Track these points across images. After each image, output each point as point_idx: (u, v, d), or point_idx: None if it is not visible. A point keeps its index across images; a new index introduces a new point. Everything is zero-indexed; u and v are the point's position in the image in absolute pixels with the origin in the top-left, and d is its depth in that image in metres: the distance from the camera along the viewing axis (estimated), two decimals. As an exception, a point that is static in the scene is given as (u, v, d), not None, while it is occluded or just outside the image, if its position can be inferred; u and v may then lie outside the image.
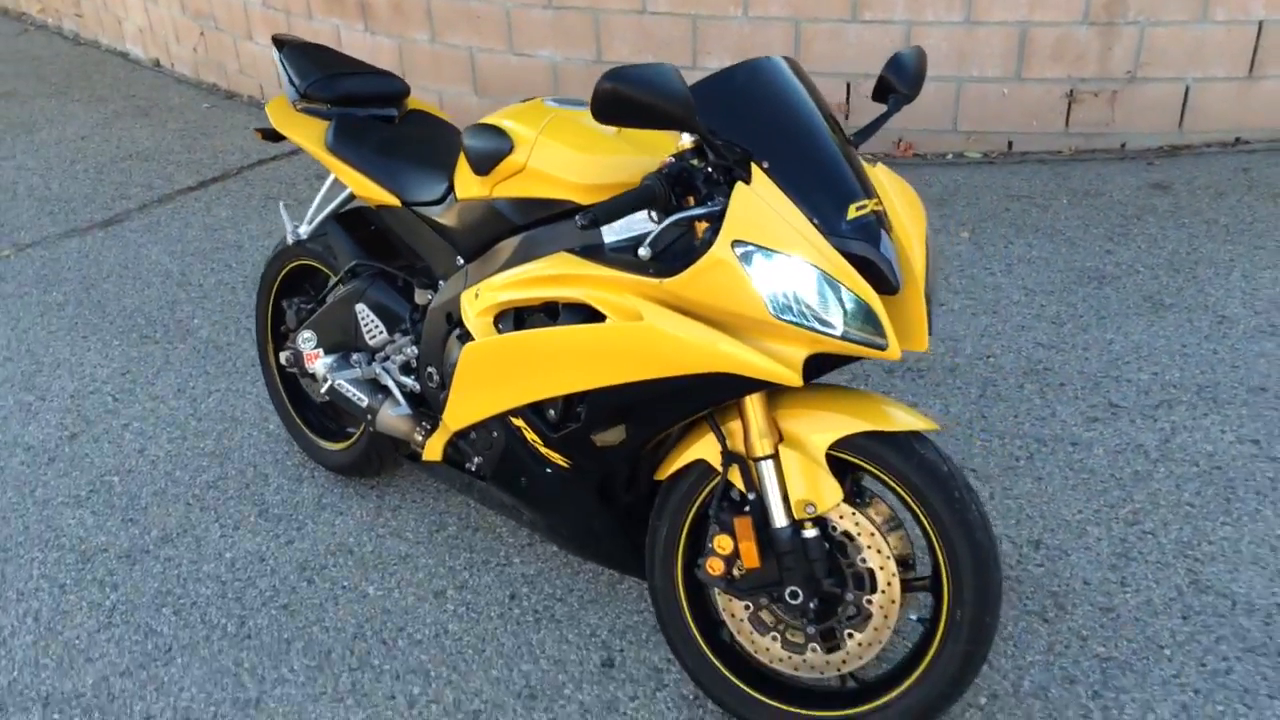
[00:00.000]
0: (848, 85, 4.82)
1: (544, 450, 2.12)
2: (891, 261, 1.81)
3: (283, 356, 2.89)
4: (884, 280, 1.80)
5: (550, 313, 2.06)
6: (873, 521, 1.96)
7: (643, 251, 1.82)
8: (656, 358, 1.84)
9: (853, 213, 1.79)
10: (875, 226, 1.81)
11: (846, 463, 1.95)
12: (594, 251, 1.97)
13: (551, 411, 2.09)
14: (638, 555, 2.22)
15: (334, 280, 2.71)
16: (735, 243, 1.74)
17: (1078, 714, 2.11)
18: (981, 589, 1.88)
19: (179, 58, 7.36)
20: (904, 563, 2.01)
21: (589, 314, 1.95)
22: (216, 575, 2.68)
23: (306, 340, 2.76)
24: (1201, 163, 4.52)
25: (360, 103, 2.67)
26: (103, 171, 5.64)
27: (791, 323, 1.75)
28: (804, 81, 1.94)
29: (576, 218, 1.77)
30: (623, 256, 1.91)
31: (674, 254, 1.87)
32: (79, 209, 5.15)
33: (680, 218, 1.81)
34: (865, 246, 1.78)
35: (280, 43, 2.80)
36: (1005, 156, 4.78)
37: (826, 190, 1.79)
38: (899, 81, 2.06)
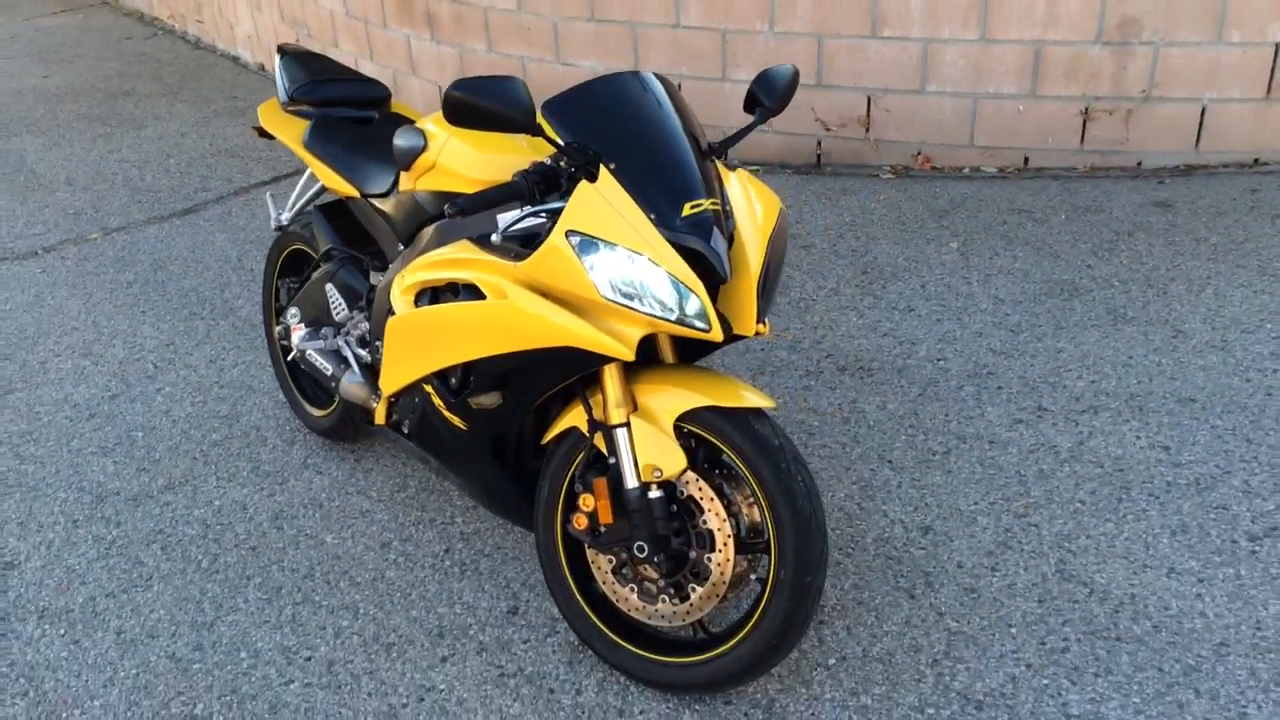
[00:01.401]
0: (868, 99, 5.00)
1: (446, 414, 2.41)
2: (721, 255, 2.04)
3: (277, 330, 3.25)
4: (714, 272, 2.04)
5: (455, 290, 2.35)
6: (722, 492, 2.19)
7: (494, 238, 2.10)
8: (517, 332, 2.11)
9: (687, 210, 2.03)
10: (708, 223, 2.04)
11: (703, 437, 2.19)
12: (487, 239, 2.25)
13: (453, 380, 2.38)
14: (530, 509, 2.49)
15: (314, 263, 3.06)
16: (570, 232, 2.00)
17: (913, 678, 2.29)
18: (803, 552, 2.10)
19: (279, 63, 7.91)
20: (755, 530, 2.23)
21: (479, 294, 2.23)
22: (203, 519, 3.05)
23: (293, 315, 3.11)
24: (1212, 183, 4.56)
25: (340, 105, 3.01)
26: (192, 165, 6.17)
27: (622, 305, 2.00)
28: (670, 95, 2.19)
29: (446, 206, 2.06)
30: (500, 244, 2.18)
31: (539, 242, 2.14)
32: (164, 199, 5.67)
33: (535, 210, 2.08)
34: (696, 240, 2.02)
35: (283, 51, 3.17)
36: (1020, 172, 4.88)
37: (665, 189, 2.04)
38: (765, 96, 2.29)
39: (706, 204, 2.06)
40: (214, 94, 7.70)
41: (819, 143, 5.20)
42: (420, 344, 2.37)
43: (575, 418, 2.28)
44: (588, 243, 2.01)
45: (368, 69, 6.75)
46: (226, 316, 4.27)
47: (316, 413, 3.29)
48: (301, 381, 3.38)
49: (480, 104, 1.95)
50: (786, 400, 3.32)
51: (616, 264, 2.00)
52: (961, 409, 3.19)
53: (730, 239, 2.12)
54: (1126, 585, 2.49)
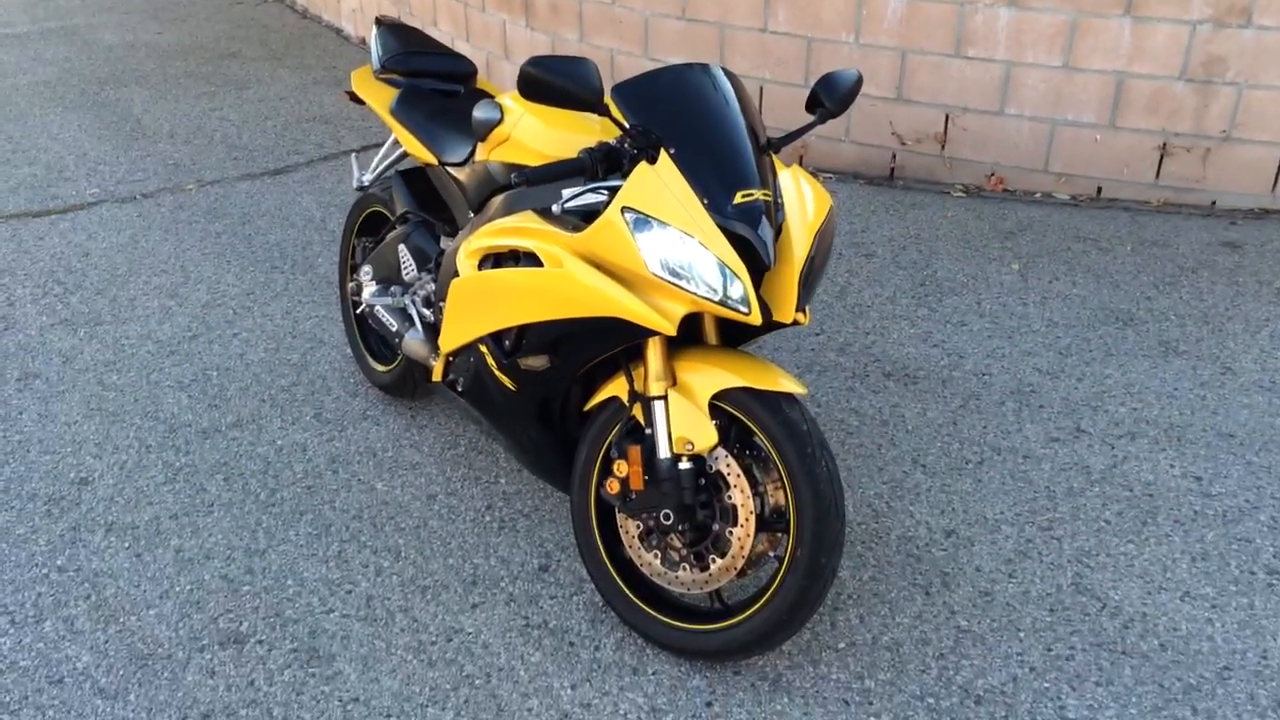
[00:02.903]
0: (946, 117, 5.05)
1: (498, 374, 2.55)
2: (767, 243, 2.15)
3: (350, 286, 3.42)
4: (759, 258, 2.15)
5: (517, 259, 2.49)
6: (751, 472, 2.30)
7: (555, 209, 2.22)
8: (569, 299, 2.24)
9: (739, 198, 2.15)
10: (758, 211, 2.15)
11: (735, 417, 2.30)
12: (548, 211, 2.39)
13: (507, 342, 2.52)
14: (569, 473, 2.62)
15: (390, 224, 3.22)
16: (625, 209, 2.12)
17: (917, 668, 2.38)
18: (819, 533, 2.20)
19: (380, 37, 8.15)
20: (779, 512, 2.34)
21: (538, 262, 2.37)
22: (265, 456, 3.23)
23: (366, 273, 3.28)
24: (1286, 227, 4.55)
25: (429, 77, 3.17)
26: (287, 129, 6.41)
27: (669, 282, 2.11)
28: (735, 89, 2.30)
29: (513, 176, 2.19)
30: (561, 216, 2.31)
31: (596, 216, 2.27)
32: (258, 158, 5.91)
33: (595, 186, 2.21)
34: (745, 227, 2.14)
35: (380, 22, 3.34)
36: (1093, 201, 4.90)
37: (720, 177, 2.16)
38: (827, 98, 2.39)
39: (758, 194, 2.17)
40: (315, 62, 7.96)
41: (894, 156, 5.26)
42: (479, 305, 2.51)
43: (617, 388, 2.40)
44: (641, 220, 2.13)
45: (463, 50, 6.95)
46: (305, 272, 4.46)
47: (380, 368, 3.46)
48: (368, 337, 3.55)
49: (553, 81, 2.09)
50: (830, 399, 3.41)
51: (667, 243, 2.11)
52: (1000, 423, 3.26)
53: (778, 229, 2.23)
54: (1139, 604, 2.54)
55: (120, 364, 3.77)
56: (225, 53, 8.23)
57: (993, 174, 5.07)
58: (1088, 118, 4.80)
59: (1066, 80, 4.77)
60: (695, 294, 2.12)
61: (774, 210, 2.21)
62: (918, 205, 4.95)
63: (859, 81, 2.43)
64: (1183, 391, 3.39)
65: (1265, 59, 4.47)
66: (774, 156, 2.33)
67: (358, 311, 3.36)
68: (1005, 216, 4.78)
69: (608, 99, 2.20)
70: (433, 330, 3.02)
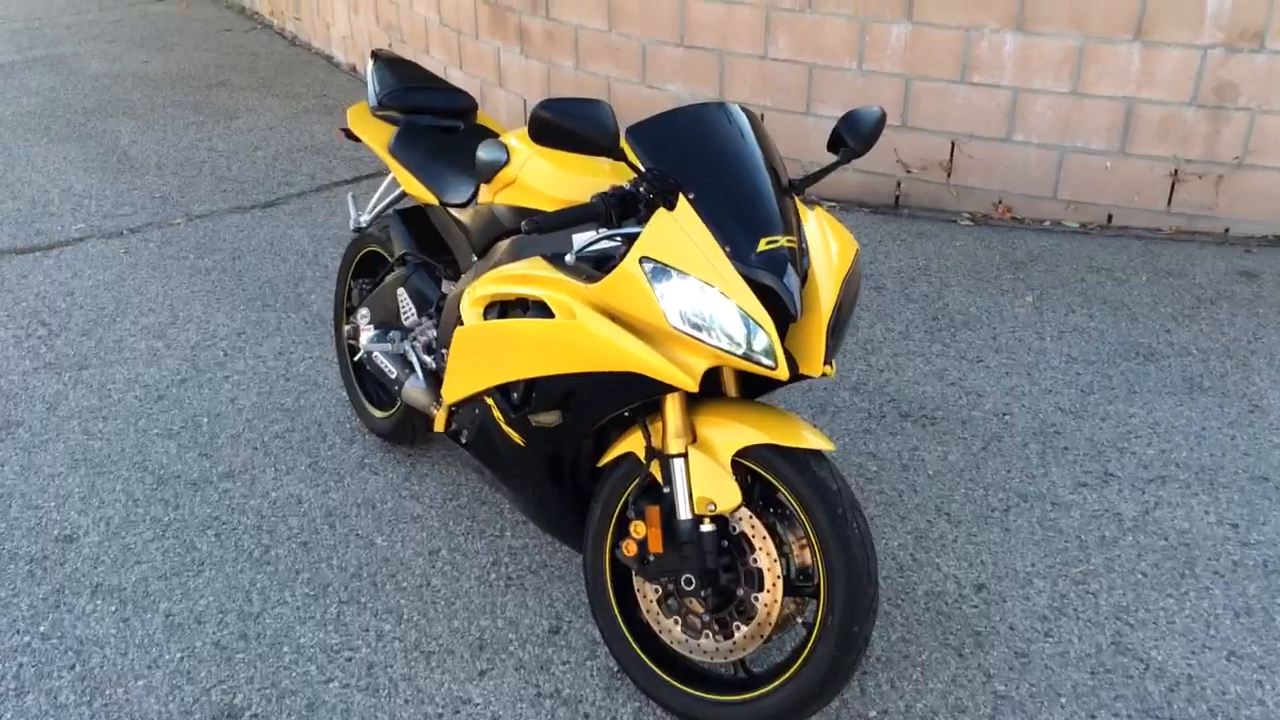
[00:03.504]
0: (952, 144, 4.95)
1: (505, 428, 2.42)
2: (793, 293, 2.03)
3: (346, 329, 3.29)
4: (785, 309, 2.02)
5: (525, 306, 2.36)
6: (775, 531, 2.17)
7: (569, 258, 2.10)
8: (583, 353, 2.12)
9: (763, 245, 2.02)
10: (783, 259, 2.03)
11: (759, 474, 2.17)
12: (560, 258, 2.26)
13: (515, 394, 2.38)
14: (581, 530, 2.48)
15: (389, 266, 3.09)
16: (643, 259, 2.00)
17: (954, 739, 2.25)
18: (852, 600, 2.07)
19: (370, 65, 8.04)
20: (805, 573, 2.20)
21: (549, 311, 2.24)
22: (259, 509, 3.08)
23: (363, 316, 3.15)
24: (1302, 255, 4.45)
25: (428, 113, 3.04)
26: (277, 159, 6.28)
27: (691, 336, 1.99)
28: (755, 129, 2.18)
29: (523, 223, 2.07)
30: (573, 265, 2.19)
31: (613, 266, 2.14)
32: (248, 190, 5.78)
33: (611, 234, 2.08)
34: (770, 276, 2.01)
35: (376, 56, 3.22)
36: (1103, 229, 4.80)
37: (742, 223, 2.03)
38: (850, 137, 2.27)
39: (783, 240, 2.05)
40: (305, 91, 7.85)
41: (899, 184, 5.16)
42: (485, 356, 2.38)
43: (633, 443, 2.27)
44: (660, 270, 2.00)
45: (456, 78, 6.84)
46: (298, 310, 4.33)
47: (377, 414, 3.32)
48: (365, 382, 3.42)
49: (566, 125, 1.96)
50: (846, 442, 3.28)
51: (687, 294, 1.99)
52: (1025, 467, 3.13)
53: (804, 277, 2.10)
54: (1184, 665, 2.41)
55: (106, 411, 3.62)
56: (214, 81, 8.11)
57: (1000, 202, 4.97)
58: (1097, 144, 4.70)
59: (1075, 106, 4.68)
60: (718, 348, 1.99)
61: (800, 257, 2.09)
62: (925, 234, 4.84)
63: (882, 119, 2.32)
64: (1211, 431, 3.28)
65: (1278, 84, 4.37)
66: (797, 199, 2.21)
67: (355, 357, 3.22)
68: (1015, 246, 4.67)
69: (622, 143, 2.08)
70: (434, 378, 2.88)
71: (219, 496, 3.15)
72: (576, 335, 2.11)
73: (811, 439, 2.12)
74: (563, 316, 2.16)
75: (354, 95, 7.70)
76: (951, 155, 4.98)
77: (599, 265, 2.20)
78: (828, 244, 2.20)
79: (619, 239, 2.15)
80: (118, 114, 7.23)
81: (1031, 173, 4.86)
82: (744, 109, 2.22)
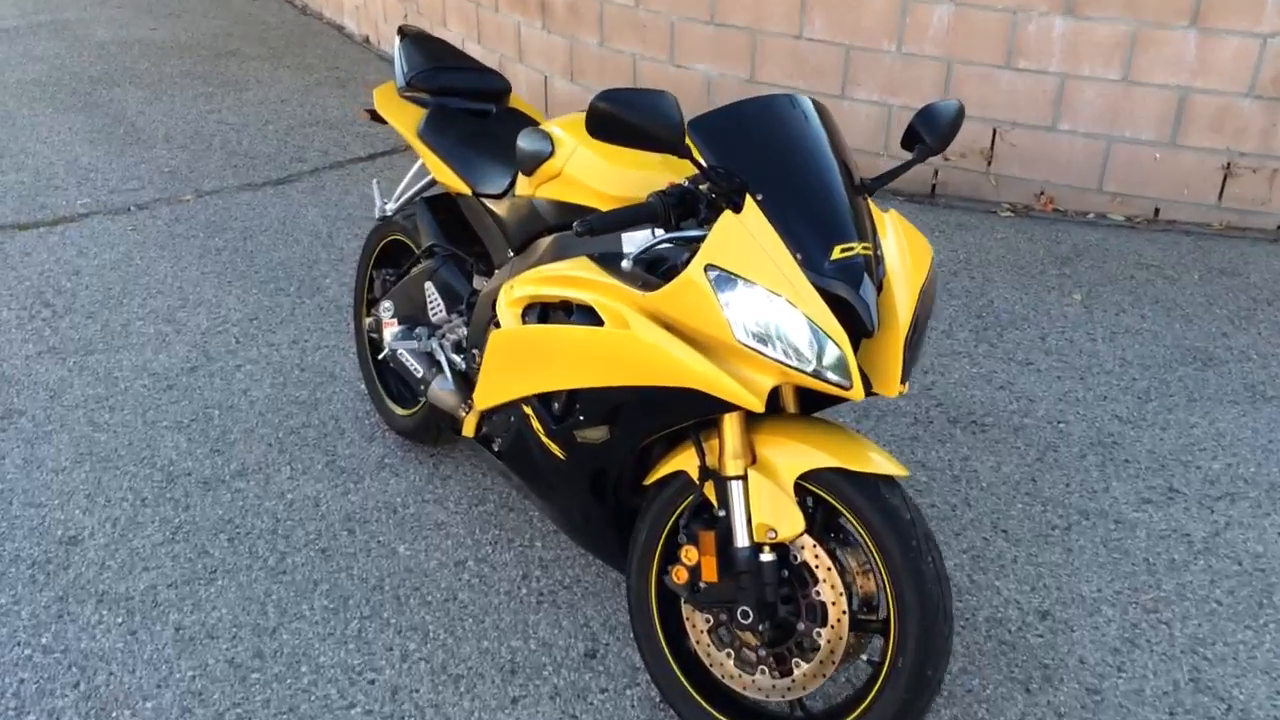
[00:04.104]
0: (994, 131, 4.75)
1: (545, 439, 2.24)
2: (869, 305, 1.85)
3: (367, 322, 3.11)
4: (860, 323, 1.85)
5: (569, 310, 2.19)
6: (842, 563, 2.00)
7: (624, 264, 1.92)
8: (635, 365, 1.94)
9: (837, 253, 1.84)
10: (859, 269, 1.85)
11: (822, 498, 2.00)
12: (609, 259, 2.08)
13: (556, 405, 2.21)
14: (624, 550, 2.31)
15: (415, 257, 2.91)
16: (709, 267, 1.82)
17: (1026, 786, 2.09)
18: (925, 640, 1.90)
19: (385, 36, 7.83)
20: (868, 604, 2.04)
21: (596, 317, 2.06)
22: (274, 512, 2.92)
23: (386, 309, 2.97)
24: (1361, 255, 4.26)
25: (459, 95, 2.86)
26: (290, 134, 6.09)
27: (757, 351, 1.81)
28: (825, 123, 2.00)
29: (575, 224, 1.89)
30: (628, 269, 2.01)
31: (670, 271, 1.96)
32: (259, 166, 5.59)
33: (672, 237, 1.90)
34: (844, 287, 1.84)
35: (403, 33, 3.02)
36: (1150, 223, 4.61)
37: (815, 229, 1.85)
38: (927, 133, 2.08)
39: (858, 248, 1.87)
40: (317, 62, 7.64)
41: (936, 172, 4.96)
42: (525, 362, 2.21)
43: (684, 461, 2.10)
44: (725, 279, 1.83)
45: (474, 52, 6.63)
46: (313, 295, 4.15)
47: (399, 412, 3.15)
48: (386, 377, 3.25)
49: (627, 118, 1.78)
50: (893, 450, 3.11)
51: (754, 305, 1.81)
52: (1084, 480, 2.96)
53: (879, 287, 1.93)
54: (1269, 705, 2.25)
55: (113, 400, 3.45)
56: (223, 51, 7.90)
57: (1042, 193, 4.78)
58: (1147, 135, 4.51)
59: (1125, 95, 4.47)
60: (786, 364, 1.82)
61: (875, 266, 1.91)
62: (964, 226, 4.66)
63: (961, 112, 2.13)
64: (1278, 444, 3.10)
65: (1342, 75, 4.18)
66: (870, 200, 2.03)
67: (379, 356, 3.04)
68: (1059, 239, 4.48)
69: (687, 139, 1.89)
70: (463, 379, 2.71)
71: (231, 497, 2.99)
72: (630, 346, 1.94)
73: (882, 463, 1.95)
74: (613, 324, 1.98)
75: (367, 67, 7.50)
76: (993, 143, 4.78)
77: (650, 269, 2.02)
78: (903, 251, 2.01)
79: (675, 241, 1.98)
80: (125, 83, 7.03)
81: (1076, 163, 4.66)
82: (814, 101, 2.03)
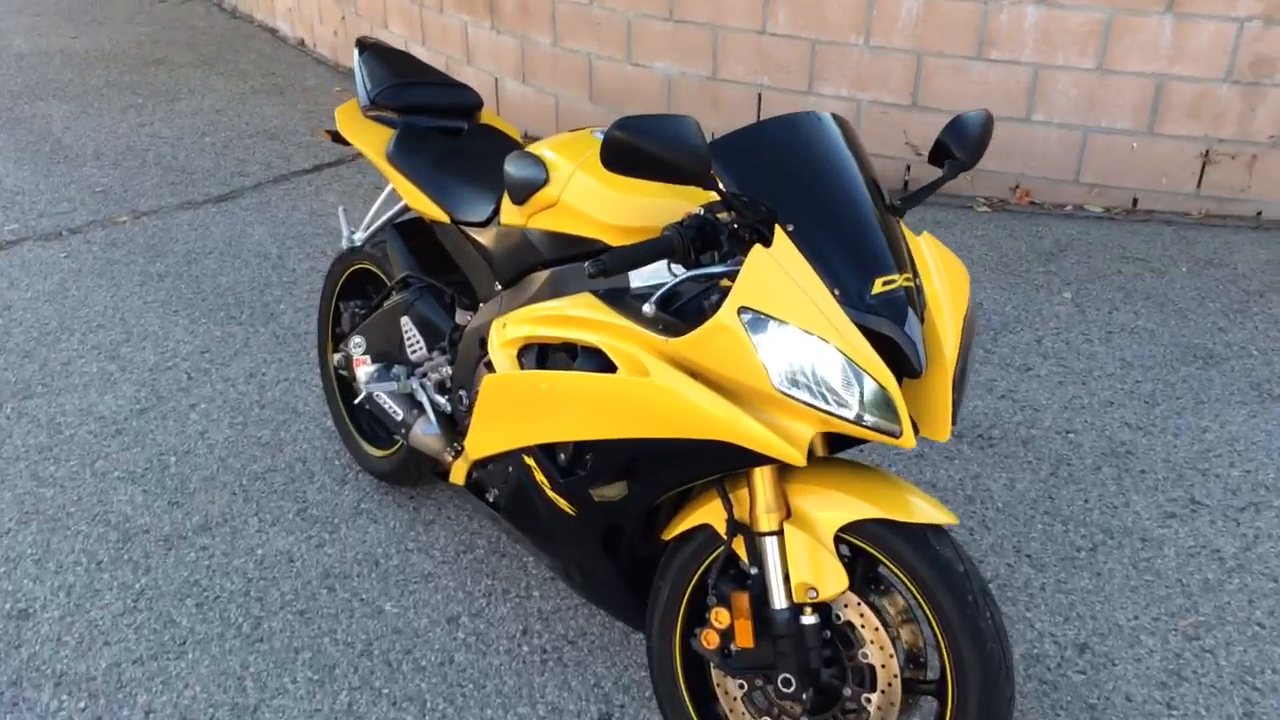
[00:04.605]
0: (967, 124, 4.62)
1: (550, 494, 2.05)
2: (916, 343, 1.68)
3: (335, 358, 2.89)
4: (906, 362, 1.68)
5: (571, 353, 1.99)
6: (882, 614, 1.84)
7: (646, 309, 1.73)
8: (658, 417, 1.75)
9: (879, 287, 1.67)
10: (902, 303, 1.68)
11: (859, 547, 1.83)
12: (616, 296, 1.89)
13: (562, 456, 2.02)
14: (643, 609, 2.13)
15: (388, 289, 2.70)
16: (742, 309, 1.64)
17: (1090, 846, 1.94)
18: (988, 704, 1.74)
19: (321, 39, 7.54)
20: (913, 658, 1.88)
21: (605, 360, 1.88)
22: (244, 571, 2.69)
23: (357, 345, 2.75)
24: (1344, 240, 4.19)
25: (428, 113, 2.64)
26: (228, 146, 5.80)
27: (797, 400, 1.64)
28: (850, 142, 1.82)
29: (586, 265, 1.70)
30: (640, 306, 1.82)
31: (690, 310, 1.78)
32: (198, 182, 5.31)
33: (695, 275, 1.72)
34: (888, 324, 1.67)
35: (363, 46, 2.80)
36: (1128, 214, 4.51)
37: (854, 260, 1.68)
38: (958, 146, 1.92)
39: (900, 279, 1.70)
40: (251, 68, 7.33)
41: (908, 168, 4.83)
42: (526, 410, 2.01)
43: (708, 514, 1.92)
44: (758, 321, 1.65)
45: (418, 54, 6.37)
46: (267, 323, 3.91)
47: (375, 453, 2.93)
48: (358, 415, 3.02)
49: (648, 148, 1.59)
50: (900, 470, 2.96)
51: (791, 348, 1.64)
52: (1102, 495, 2.83)
53: (921, 320, 1.76)
54: (1330, 739, 2.13)
55: (57, 450, 3.19)
56: (150, 59, 7.55)
57: (1018, 186, 4.66)
58: (1123, 124, 4.40)
59: (1100, 84, 4.37)
60: (828, 412, 1.64)
61: (918, 298, 1.74)
62: (942, 223, 4.52)
63: (990, 122, 1.97)
64: (1294, 447, 3.00)
65: (1320, 58, 4.10)
66: (901, 224, 1.86)
67: (354, 400, 2.82)
68: (1041, 234, 4.36)
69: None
70: (449, 421, 2.51)
71: (196, 556, 2.75)
72: (650, 395, 1.75)
73: (929, 511, 1.78)
74: (627, 370, 1.79)
75: (304, 72, 7.21)
76: (966, 136, 4.64)
77: (663, 305, 1.83)
78: (943, 278, 1.85)
79: (680, 271, 1.80)
80: (48, 96, 6.68)
81: (1052, 155, 4.55)
82: (837, 117, 1.85)
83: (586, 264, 1.70)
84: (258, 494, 2.98)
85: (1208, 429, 3.09)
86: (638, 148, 1.59)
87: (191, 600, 2.60)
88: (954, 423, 1.76)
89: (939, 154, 1.95)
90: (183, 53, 7.74)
